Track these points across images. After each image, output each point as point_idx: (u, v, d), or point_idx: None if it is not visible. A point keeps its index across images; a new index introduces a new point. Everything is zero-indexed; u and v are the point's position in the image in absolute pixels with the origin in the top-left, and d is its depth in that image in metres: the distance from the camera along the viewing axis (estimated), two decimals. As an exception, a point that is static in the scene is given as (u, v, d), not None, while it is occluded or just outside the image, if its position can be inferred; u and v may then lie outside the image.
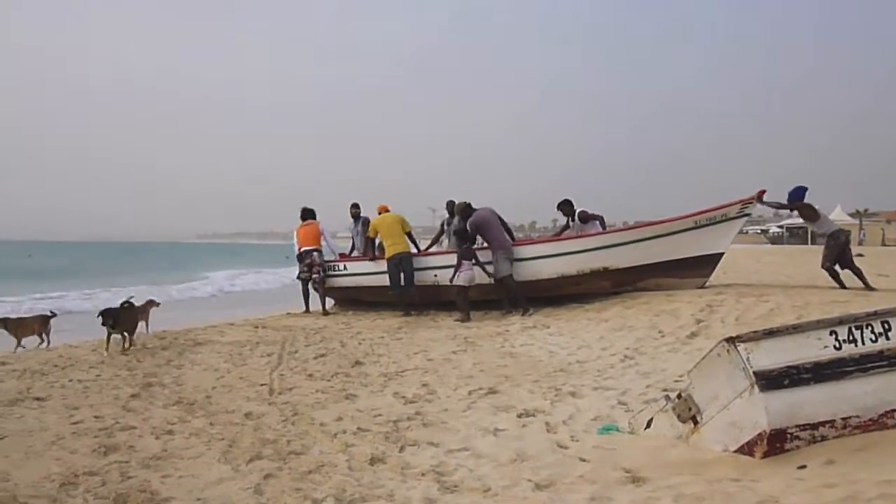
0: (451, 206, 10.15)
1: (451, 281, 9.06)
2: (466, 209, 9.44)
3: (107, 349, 6.85)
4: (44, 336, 7.68)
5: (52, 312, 8.22)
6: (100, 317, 6.89)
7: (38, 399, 4.90)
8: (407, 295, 9.75)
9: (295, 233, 10.84)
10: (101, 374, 5.85)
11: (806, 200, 8.57)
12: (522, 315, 8.59)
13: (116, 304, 7.51)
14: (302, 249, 10.60)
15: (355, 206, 11.21)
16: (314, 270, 10.45)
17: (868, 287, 7.99)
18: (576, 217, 9.75)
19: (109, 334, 6.92)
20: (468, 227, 9.34)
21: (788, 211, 9.37)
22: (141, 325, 7.96)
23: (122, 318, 7.03)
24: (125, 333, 7.07)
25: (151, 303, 8.78)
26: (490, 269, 9.05)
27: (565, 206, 9.89)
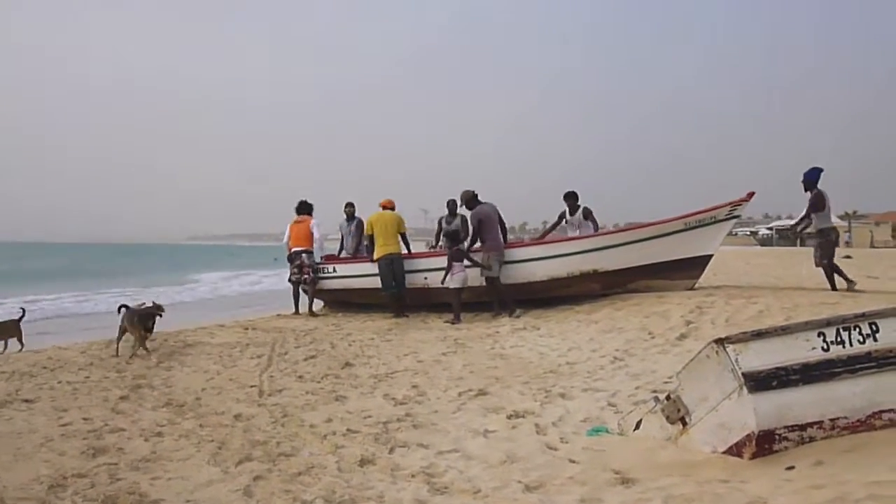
0: (451, 205, 10.01)
1: (442, 283, 9.05)
2: (472, 199, 9.35)
3: (145, 348, 6.78)
4: (20, 341, 7.41)
5: (21, 310, 7.84)
6: (137, 318, 6.77)
7: (26, 401, 4.86)
8: (398, 296, 9.73)
9: (287, 228, 10.66)
10: (91, 376, 5.81)
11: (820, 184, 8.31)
12: (510, 316, 8.60)
13: (113, 307, 7.34)
14: (292, 250, 10.51)
15: (350, 206, 11.13)
16: (304, 271, 10.38)
17: (849, 282, 8.08)
18: (579, 211, 9.75)
19: (143, 336, 6.79)
20: (470, 219, 9.31)
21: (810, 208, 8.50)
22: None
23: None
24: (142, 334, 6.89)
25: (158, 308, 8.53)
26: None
27: (570, 198, 9.83)
